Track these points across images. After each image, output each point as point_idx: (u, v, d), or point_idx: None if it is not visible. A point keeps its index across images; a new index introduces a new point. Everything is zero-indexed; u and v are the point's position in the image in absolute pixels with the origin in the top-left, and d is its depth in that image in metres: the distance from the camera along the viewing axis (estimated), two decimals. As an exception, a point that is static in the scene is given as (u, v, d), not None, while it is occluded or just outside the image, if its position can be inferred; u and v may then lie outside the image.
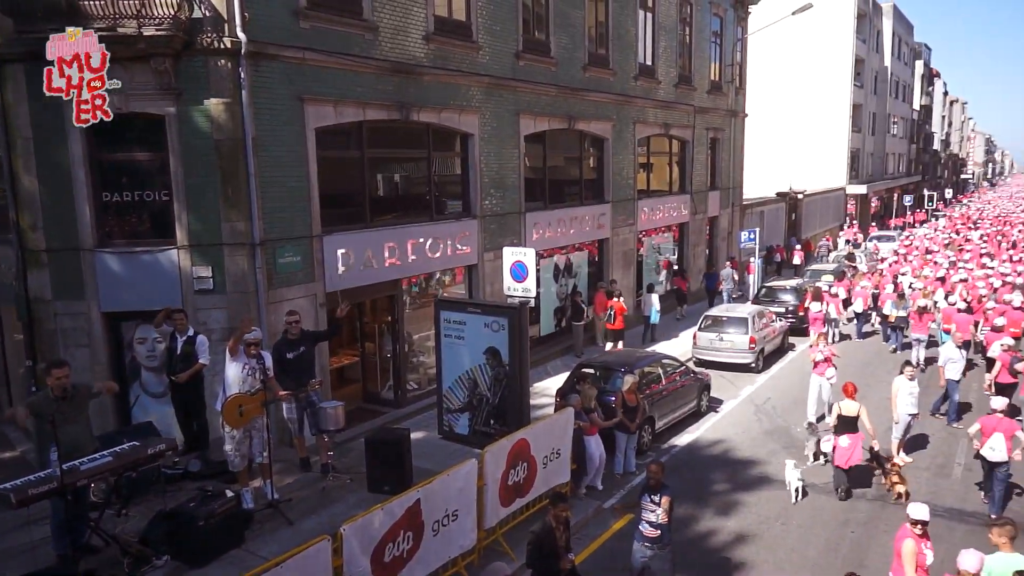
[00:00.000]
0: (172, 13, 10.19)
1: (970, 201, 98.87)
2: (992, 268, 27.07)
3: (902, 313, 19.72)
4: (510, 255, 13.16)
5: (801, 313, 21.18)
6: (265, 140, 11.20)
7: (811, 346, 15.46)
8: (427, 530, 7.73)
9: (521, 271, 12.96)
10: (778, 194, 35.57)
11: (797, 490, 10.86)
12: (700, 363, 17.98)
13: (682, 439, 13.52)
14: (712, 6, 25.93)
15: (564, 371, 16.83)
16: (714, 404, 15.26)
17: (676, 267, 25.20)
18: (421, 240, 14.19)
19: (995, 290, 22.21)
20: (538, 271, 13.85)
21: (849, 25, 44.85)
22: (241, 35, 10.61)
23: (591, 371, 13.16)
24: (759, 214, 32.69)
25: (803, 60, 44.95)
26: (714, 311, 18.59)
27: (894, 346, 20.10)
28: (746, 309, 18.53)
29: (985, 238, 41.80)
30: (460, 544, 8.30)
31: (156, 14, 10.19)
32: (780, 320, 19.78)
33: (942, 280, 23.86)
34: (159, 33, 10.16)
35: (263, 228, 11.21)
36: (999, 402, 10.42)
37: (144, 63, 10.39)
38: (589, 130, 19.60)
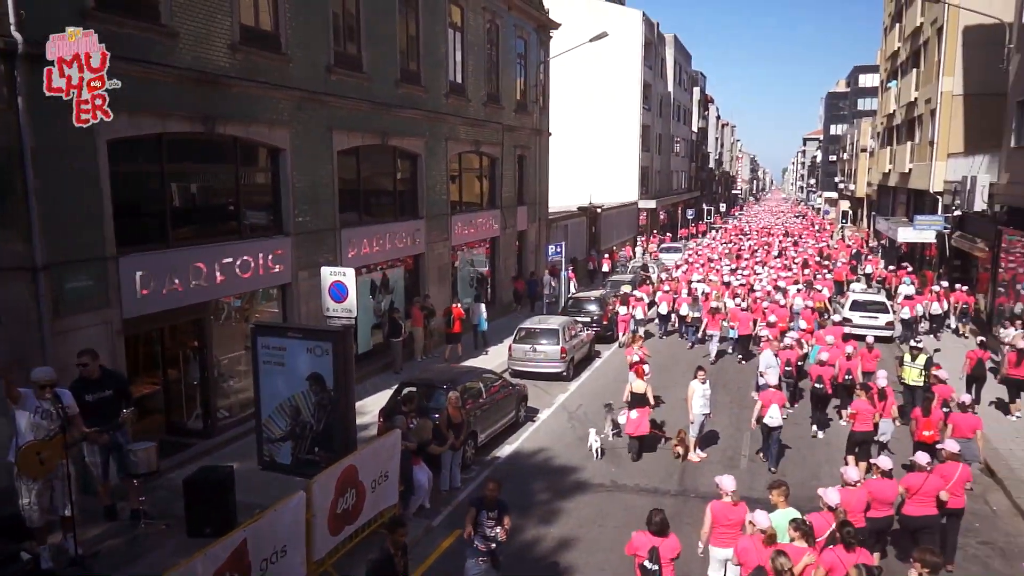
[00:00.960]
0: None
1: (740, 214, 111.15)
2: (760, 274, 31.29)
3: (696, 314, 22.57)
4: (329, 275, 12.89)
5: (605, 322, 22.71)
6: (47, 152, 10.06)
7: (628, 348, 17.01)
8: (254, 571, 7.34)
9: (341, 291, 12.76)
10: (580, 208, 37.71)
11: (597, 451, 13.42)
12: (515, 373, 18.67)
13: (503, 450, 13.95)
14: (517, 29, 27.04)
15: (385, 388, 16.72)
16: (531, 414, 15.91)
17: (488, 280, 25.98)
18: (230, 259, 13.41)
19: (768, 292, 25.41)
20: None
21: (637, 53, 48.68)
22: (16, 35, 9.49)
23: (413, 389, 13.16)
24: (564, 228, 34.44)
25: (600, 83, 48.13)
26: (527, 323, 19.33)
27: (691, 342, 22.75)
28: (556, 321, 19.46)
29: (755, 247, 47.54)
30: (289, 580, 7.97)
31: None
32: (586, 330, 20.98)
33: (727, 285, 27.02)
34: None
35: (46, 250, 10.05)
36: (772, 379, 13.68)
37: None
38: (403, 146, 19.65)
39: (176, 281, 12.15)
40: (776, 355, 15.49)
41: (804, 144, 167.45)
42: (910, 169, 33.54)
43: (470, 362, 20.18)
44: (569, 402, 17.07)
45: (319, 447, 10.06)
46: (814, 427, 14.73)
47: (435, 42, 20.85)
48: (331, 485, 8.73)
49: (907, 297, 23.17)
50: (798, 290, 26.19)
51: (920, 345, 15.24)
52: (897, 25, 39.25)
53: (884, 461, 9.38)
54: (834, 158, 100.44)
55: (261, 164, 14.84)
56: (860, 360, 15.66)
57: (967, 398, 12.02)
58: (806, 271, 34.78)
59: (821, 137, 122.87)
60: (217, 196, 14.13)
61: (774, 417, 12.68)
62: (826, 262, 40.83)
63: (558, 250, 26.12)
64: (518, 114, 27.51)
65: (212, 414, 13.66)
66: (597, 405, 16.50)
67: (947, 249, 27.08)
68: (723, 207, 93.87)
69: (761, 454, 13.26)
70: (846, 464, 11.70)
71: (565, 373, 18.53)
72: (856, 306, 23.08)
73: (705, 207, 74.67)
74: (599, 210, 40.50)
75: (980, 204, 21.98)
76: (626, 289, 26.79)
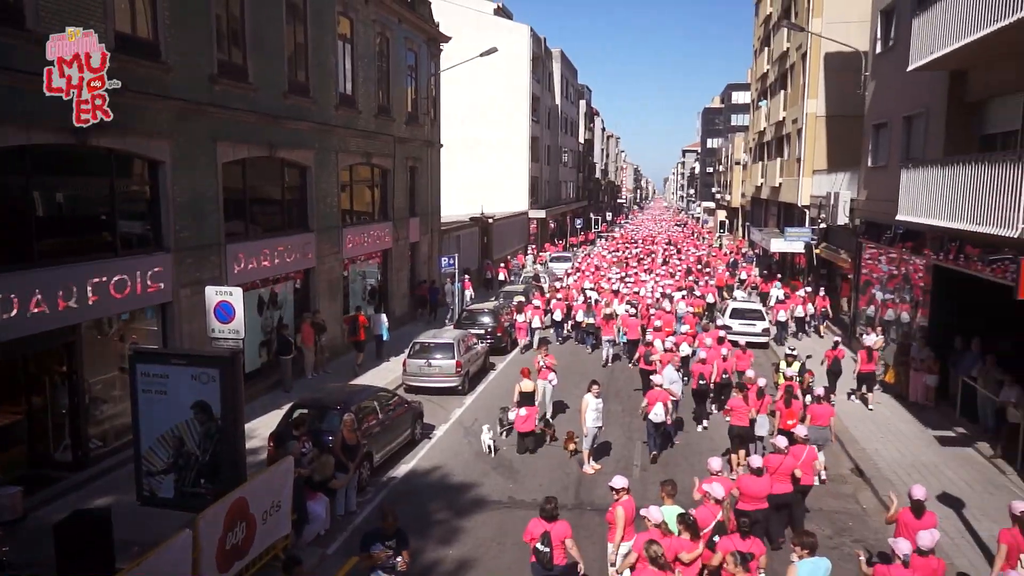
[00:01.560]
0: None
1: (626, 222, 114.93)
2: (646, 281, 32.94)
3: (591, 320, 24.02)
4: (214, 295, 12.34)
5: (500, 334, 22.90)
6: None
7: (536, 355, 17.67)
8: (137, 619, 6.93)
9: (227, 311, 12.24)
10: (472, 219, 37.86)
11: (490, 448, 14.42)
12: (410, 389, 18.51)
13: (399, 470, 13.77)
14: (407, 41, 26.89)
15: (274, 409, 16.18)
16: (427, 431, 15.79)
17: (381, 293, 25.61)
18: (103, 278, 12.58)
19: (656, 299, 26.87)
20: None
21: (526, 67, 49.48)
22: None
23: (306, 411, 12.78)
24: (456, 238, 34.48)
25: (490, 96, 48.52)
26: (421, 338, 19.18)
27: (589, 346, 24.22)
28: (451, 334, 19.44)
29: (641, 254, 49.55)
30: (174, 624, 7.56)
31: None
32: (481, 343, 21.07)
33: (616, 292, 28.07)
34: None
35: None
36: (658, 379, 14.60)
37: None
38: (292, 158, 19.10)
39: (42, 303, 11.27)
40: (677, 368, 16.10)
41: (683, 156, 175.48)
42: (780, 183, 35.79)
43: (372, 372, 19.98)
44: (465, 417, 17.07)
45: (205, 479, 9.59)
46: (696, 421, 16.29)
47: (324, 53, 20.45)
48: (220, 520, 8.38)
49: (778, 301, 26.11)
50: (682, 296, 27.90)
51: (794, 353, 16.27)
52: (766, 49, 41.83)
53: (755, 460, 10.24)
54: (711, 170, 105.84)
55: (139, 177, 14.02)
56: (735, 360, 16.88)
57: (821, 391, 13.42)
58: (689, 278, 36.84)
59: (699, 149, 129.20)
60: (90, 211, 13.22)
61: (658, 414, 13.99)
62: (707, 269, 43.15)
63: (451, 262, 26.11)
64: (409, 126, 27.36)
65: (83, 444, 12.74)
66: (494, 419, 16.60)
67: (814, 259, 29.07)
68: (609, 216, 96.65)
69: (649, 449, 14.37)
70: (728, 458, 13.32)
71: (461, 387, 18.53)
72: (735, 314, 24.39)
73: (592, 216, 76.68)
74: (491, 220, 40.81)
75: (843, 218, 23.75)
76: (519, 299, 27.33)
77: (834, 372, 17.72)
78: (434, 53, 30.12)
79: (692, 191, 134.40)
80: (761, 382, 14.14)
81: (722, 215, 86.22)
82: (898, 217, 16.26)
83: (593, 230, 69.15)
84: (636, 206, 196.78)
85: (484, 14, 49.94)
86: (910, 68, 15.56)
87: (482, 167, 49.44)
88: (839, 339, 19.38)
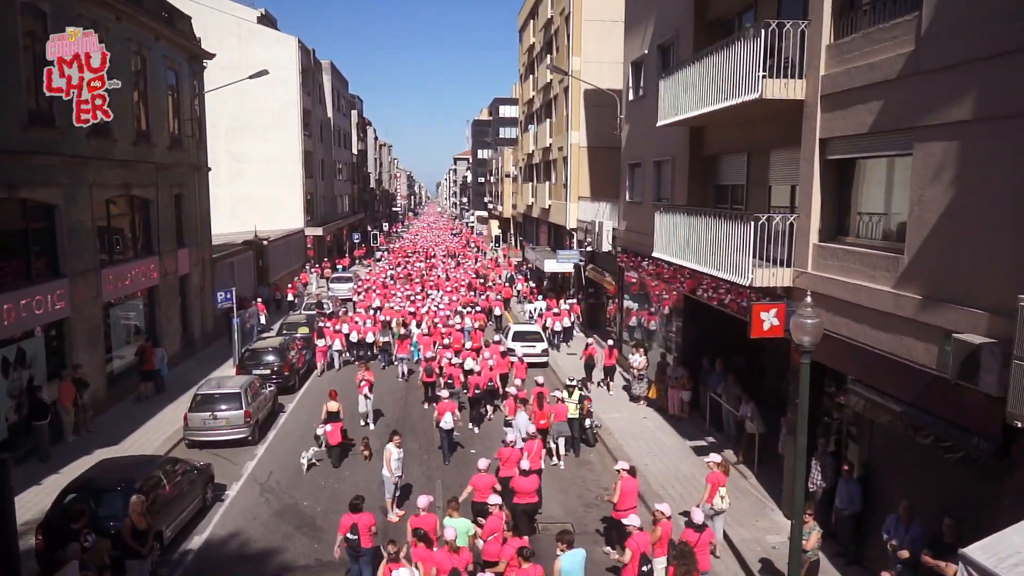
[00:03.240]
0: None
1: (403, 231, 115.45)
2: (434, 297, 35.31)
3: (386, 339, 26.35)
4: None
5: (287, 373, 22.21)
6: None
7: (357, 372, 20.02)
8: None
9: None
10: (245, 243, 36.02)
11: (306, 466, 16.28)
12: (194, 444, 17.43)
13: (193, 542, 12.97)
14: (166, 59, 25.06)
15: (32, 485, 14.55)
16: (219, 492, 14.95)
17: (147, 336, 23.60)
18: None
19: (447, 317, 29.44)
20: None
21: (295, 80, 47.98)
22: None
23: (81, 497, 11.59)
24: (229, 265, 32.65)
25: (259, 112, 46.36)
26: (203, 388, 18.05)
27: (383, 364, 25.90)
28: (236, 382, 18.50)
29: (423, 269, 50.90)
30: None
31: None
32: (269, 385, 20.29)
33: (413, 314, 30.08)
34: None
35: None
36: (445, 394, 17.67)
37: None
38: (35, 197, 17.06)
39: None
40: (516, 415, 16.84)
41: (455, 163, 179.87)
42: (550, 206, 38.37)
43: (153, 421, 19.04)
44: (259, 471, 16.39)
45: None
46: (471, 424, 19.24)
47: (73, 78, 18.46)
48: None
49: (539, 314, 31.19)
50: (468, 312, 30.24)
51: (574, 384, 17.73)
52: (531, 75, 44.54)
53: (524, 464, 12.68)
54: (483, 180, 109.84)
55: None
56: (515, 370, 20.91)
57: (559, 394, 17.23)
58: (471, 292, 38.86)
59: (470, 158, 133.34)
60: None
61: (447, 422, 16.61)
62: (488, 283, 45.26)
63: (228, 296, 24.75)
64: (173, 151, 25.52)
65: None
66: (290, 472, 16.21)
67: (583, 278, 31.62)
68: (386, 226, 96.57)
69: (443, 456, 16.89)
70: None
71: (251, 437, 17.73)
72: (517, 337, 25.87)
73: (370, 229, 76.09)
74: (265, 242, 39.12)
75: (606, 246, 26.17)
76: (303, 331, 26.76)
77: (588, 366, 23.08)
78: (196, 71, 28.35)
79: (465, 199, 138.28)
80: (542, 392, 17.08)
81: (496, 226, 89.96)
82: (654, 254, 18.36)
83: (370, 244, 68.53)
84: (411, 212, 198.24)
85: (247, 22, 47.71)
86: (659, 124, 17.66)
87: (253, 184, 47.26)
88: (591, 341, 25.02)
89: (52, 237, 17.96)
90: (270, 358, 22.29)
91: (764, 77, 12.49)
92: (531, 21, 43.76)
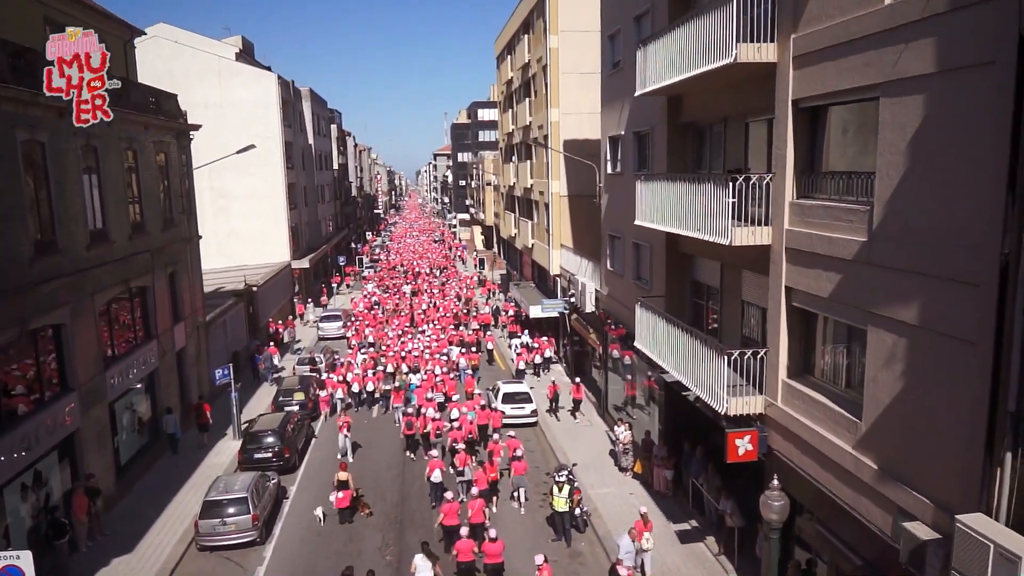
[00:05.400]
0: None
1: (386, 234, 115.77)
2: (426, 333, 38.60)
3: (388, 387, 29.48)
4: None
5: (288, 455, 23.03)
6: None
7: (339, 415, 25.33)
8: None
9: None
10: (235, 295, 36.62)
11: (321, 519, 19.82)
12: (204, 548, 18.28)
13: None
14: (156, 144, 25.60)
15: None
16: (234, 609, 15.91)
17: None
18: None
19: (443, 362, 31.90)
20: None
21: (276, 115, 48.25)
22: None
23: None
24: (223, 323, 33.32)
25: (241, 145, 46.58)
26: (212, 494, 18.72)
27: (384, 409, 29.39)
28: (243, 484, 19.09)
29: (414, 289, 52.35)
30: None
31: None
32: (272, 477, 21.08)
33: (404, 357, 33.11)
34: None
35: None
36: (435, 453, 20.77)
37: None
38: (44, 323, 17.74)
39: None
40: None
41: (435, 159, 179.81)
42: (533, 245, 39.24)
43: (169, 505, 19.40)
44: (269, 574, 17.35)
45: None
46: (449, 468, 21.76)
47: (70, 198, 19.04)
48: None
49: (523, 345, 35.17)
50: (460, 352, 33.37)
51: (562, 479, 18.76)
52: (510, 110, 45.15)
53: (448, 495, 17.85)
54: (463, 183, 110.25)
55: None
56: (491, 421, 24.29)
57: (520, 452, 20.79)
58: (460, 328, 40.24)
59: (450, 154, 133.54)
60: None
61: (437, 476, 20.18)
62: (470, 310, 46.47)
63: (225, 373, 25.53)
64: (166, 231, 26.16)
65: None
66: (302, 572, 17.18)
67: (568, 326, 32.61)
68: (369, 235, 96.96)
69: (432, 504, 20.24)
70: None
71: (259, 539, 18.61)
72: (506, 399, 26.83)
73: (353, 246, 76.56)
74: (255, 288, 39.73)
75: (589, 307, 27.16)
76: (299, 397, 27.63)
77: (554, 399, 27.57)
78: (184, 145, 28.85)
79: (447, 200, 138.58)
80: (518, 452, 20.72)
81: (479, 232, 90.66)
82: (636, 344, 19.35)
83: (356, 265, 68.79)
84: (393, 208, 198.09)
85: (226, 59, 47.89)
86: (636, 222, 18.54)
87: (239, 219, 47.83)
88: (554, 378, 30.20)
89: (60, 354, 18.65)
90: (269, 440, 22.95)
91: (732, 205, 13.45)
92: (508, 56, 44.31)
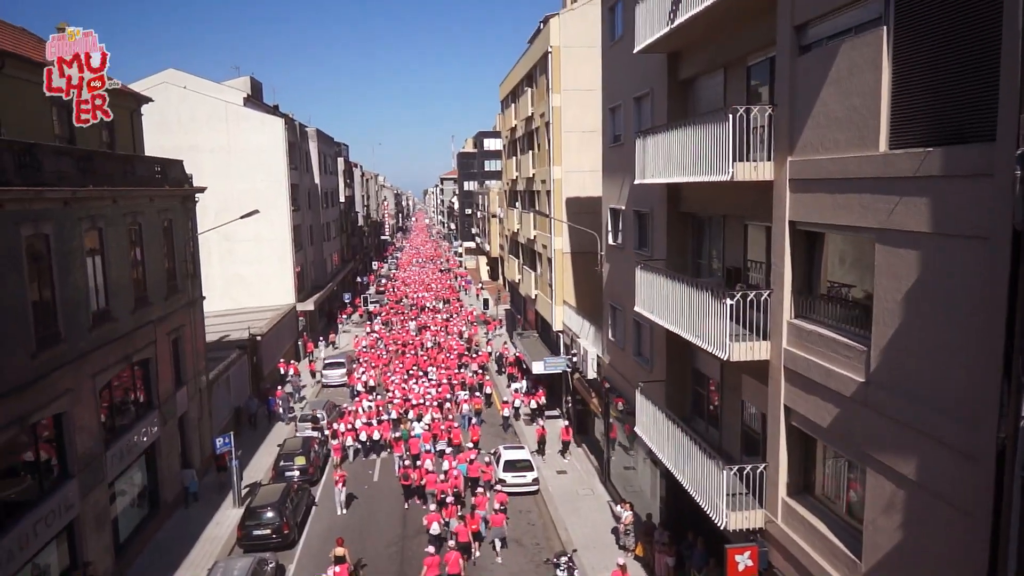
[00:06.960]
0: None
1: (393, 259, 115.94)
2: (431, 378, 39.27)
3: (397, 435, 30.02)
4: None
5: (287, 531, 22.89)
6: None
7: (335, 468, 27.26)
8: None
9: None
10: (239, 348, 36.65)
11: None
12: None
13: None
14: (160, 213, 25.70)
15: None
16: None
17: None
18: None
19: (449, 409, 34.03)
20: None
21: (282, 159, 48.52)
22: None
23: None
24: (226, 379, 33.34)
25: (249, 191, 46.71)
26: (212, 581, 18.75)
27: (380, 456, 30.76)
28: (242, 569, 19.01)
29: (418, 324, 53.38)
30: None
31: None
32: (271, 560, 20.89)
33: (408, 400, 34.23)
34: None
35: None
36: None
37: None
38: (47, 414, 17.77)
39: None
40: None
41: (442, 183, 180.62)
42: (536, 295, 39.21)
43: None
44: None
45: None
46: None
47: (73, 284, 19.11)
48: None
49: (516, 391, 36.68)
50: (465, 397, 34.47)
51: (561, 564, 18.58)
52: (514, 157, 45.30)
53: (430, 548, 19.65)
54: (470, 211, 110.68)
55: None
56: (481, 475, 25.78)
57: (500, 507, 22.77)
58: (463, 370, 40.53)
59: (456, 178, 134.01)
60: None
61: (435, 529, 21.77)
62: (472, 350, 46.61)
63: (227, 442, 25.50)
64: (169, 299, 26.21)
65: None
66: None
67: (571, 384, 32.49)
68: (375, 265, 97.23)
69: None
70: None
71: (259, 632, 18.52)
72: (508, 466, 26.69)
73: (359, 280, 76.73)
74: (259, 338, 39.78)
75: (591, 373, 27.07)
76: (300, 462, 27.56)
77: (541, 441, 29.78)
78: (189, 208, 29.00)
79: (453, 226, 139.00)
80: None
81: (484, 262, 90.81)
82: (636, 430, 19.23)
83: (361, 304, 68.76)
84: (400, 232, 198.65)
85: (234, 105, 48.26)
86: (635, 309, 18.51)
87: (243, 263, 47.99)
88: (543, 423, 31.11)
89: (61, 442, 18.63)
90: (269, 515, 22.76)
91: (730, 309, 13.38)
92: (513, 104, 44.52)
